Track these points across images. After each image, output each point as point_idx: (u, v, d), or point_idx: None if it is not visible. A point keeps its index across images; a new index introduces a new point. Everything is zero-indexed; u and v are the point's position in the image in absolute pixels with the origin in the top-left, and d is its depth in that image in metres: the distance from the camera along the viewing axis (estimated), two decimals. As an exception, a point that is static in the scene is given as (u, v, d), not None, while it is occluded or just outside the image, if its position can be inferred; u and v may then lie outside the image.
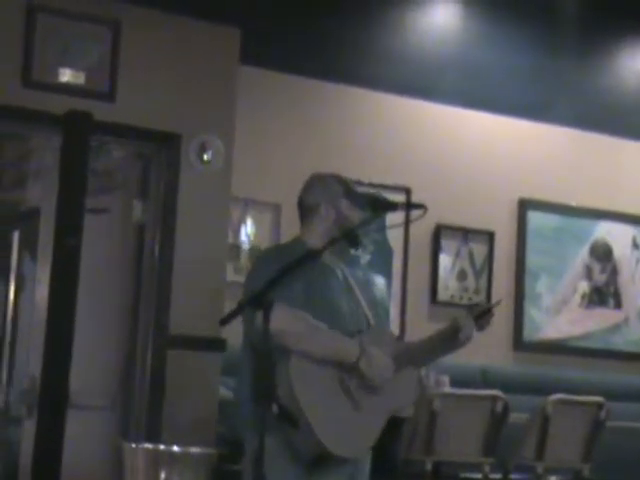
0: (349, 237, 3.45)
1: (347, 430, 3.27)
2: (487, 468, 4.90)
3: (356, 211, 3.52)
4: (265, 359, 2.98)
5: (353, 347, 3.30)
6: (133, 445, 2.49)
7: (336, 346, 3.31)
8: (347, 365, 3.29)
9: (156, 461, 2.40)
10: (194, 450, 2.52)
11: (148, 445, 2.55)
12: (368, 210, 3.51)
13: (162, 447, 2.52)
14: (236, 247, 6.13)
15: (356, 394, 3.31)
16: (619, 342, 7.14)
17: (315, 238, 3.50)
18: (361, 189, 3.62)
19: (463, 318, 3.46)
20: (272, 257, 3.51)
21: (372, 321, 3.48)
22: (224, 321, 3.08)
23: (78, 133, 4.32)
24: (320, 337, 3.29)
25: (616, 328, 7.15)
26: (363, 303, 3.50)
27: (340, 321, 3.38)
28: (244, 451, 3.52)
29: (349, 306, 3.45)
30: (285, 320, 3.15)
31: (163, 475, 2.39)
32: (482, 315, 3.48)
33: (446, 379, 5.30)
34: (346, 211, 3.51)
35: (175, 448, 2.52)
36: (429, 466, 4.76)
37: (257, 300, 3.03)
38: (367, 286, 3.59)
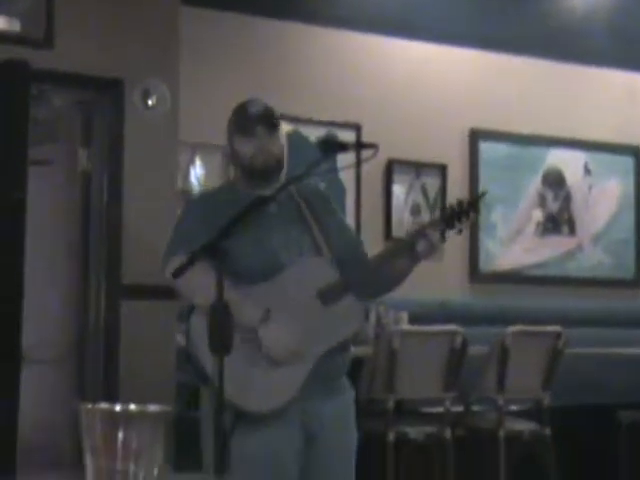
0: (298, 180, 3.34)
1: (262, 382, 3.17)
2: (448, 402, 4.90)
3: (247, 143, 3.25)
4: (218, 310, 2.91)
5: (253, 316, 3.14)
6: (89, 406, 2.42)
7: (236, 312, 3.19)
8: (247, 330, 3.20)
9: (113, 421, 2.34)
10: (152, 408, 2.45)
11: (104, 405, 2.48)
12: (306, 149, 3.39)
13: (119, 407, 2.45)
14: (186, 192, 6.03)
15: None
16: (574, 269, 7.17)
17: (240, 179, 3.38)
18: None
19: (422, 225, 3.32)
20: (201, 202, 3.41)
21: (324, 248, 3.36)
22: (176, 273, 3.00)
23: (16, 82, 4.19)
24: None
25: (571, 255, 7.18)
26: (315, 230, 3.37)
27: (269, 256, 3.27)
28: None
29: (285, 238, 3.32)
30: (186, 273, 3.03)
31: (121, 434, 2.32)
32: (459, 215, 3.30)
33: (404, 316, 5.29)
34: (237, 146, 3.27)
35: (132, 407, 2.45)
36: (391, 404, 4.75)
37: (210, 250, 2.96)
38: (324, 209, 3.46)
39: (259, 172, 3.28)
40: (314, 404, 3.25)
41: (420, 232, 3.25)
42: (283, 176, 3.38)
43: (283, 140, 3.35)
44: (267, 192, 3.30)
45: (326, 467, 3.29)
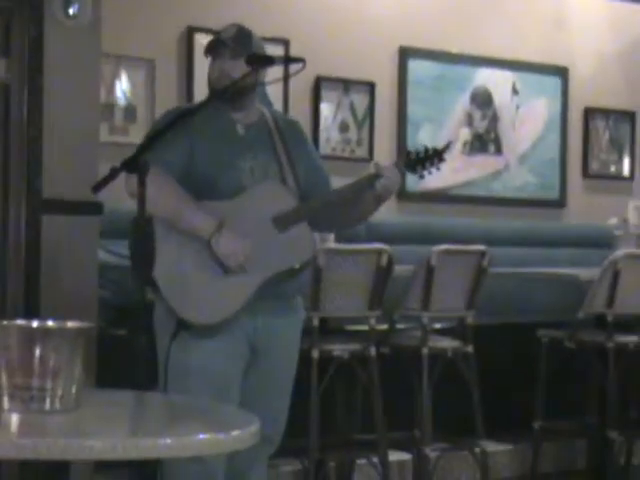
0: (224, 93, 3.34)
1: (208, 295, 3.22)
2: (373, 320, 4.92)
3: (212, 64, 3.41)
4: (142, 225, 2.86)
5: (207, 225, 3.21)
6: (5, 322, 2.36)
7: (191, 220, 3.22)
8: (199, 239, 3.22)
9: (31, 338, 2.28)
10: (70, 324, 2.40)
11: (21, 321, 2.42)
12: (230, 60, 3.38)
13: (36, 323, 2.39)
14: (110, 106, 5.90)
15: None
16: (500, 188, 7.20)
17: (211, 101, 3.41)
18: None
19: (383, 166, 3.37)
20: (164, 117, 3.42)
21: (289, 177, 3.37)
22: (96, 188, 2.95)
23: None
24: (174, 205, 3.21)
25: (497, 174, 7.21)
26: (282, 158, 3.39)
27: (232, 177, 3.29)
28: (131, 315, 3.44)
29: (251, 162, 3.34)
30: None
31: (38, 351, 2.27)
32: (424, 160, 3.36)
33: (331, 235, 5.26)
34: (209, 69, 3.42)
35: (50, 323, 2.40)
36: (316, 322, 4.75)
37: (131, 163, 2.90)
38: (297, 141, 3.48)
39: (219, 93, 3.33)
40: (263, 319, 3.30)
41: (380, 172, 3.29)
42: (253, 102, 3.42)
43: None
44: (235, 116, 3.36)
45: (268, 377, 3.36)
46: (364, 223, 3.90)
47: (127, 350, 3.55)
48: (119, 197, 3.59)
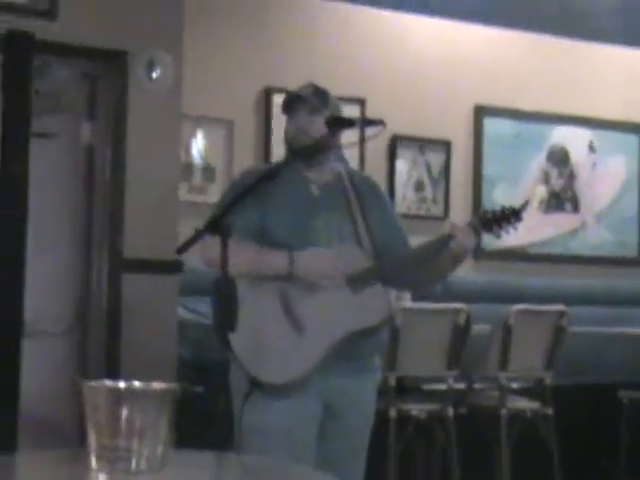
0: (302, 152, 3.33)
1: (282, 355, 3.19)
2: (451, 380, 4.89)
3: (289, 122, 3.36)
4: (225, 286, 2.89)
5: (282, 256, 3.20)
6: (92, 383, 2.40)
7: (266, 260, 3.21)
8: (286, 278, 3.20)
9: (118, 399, 2.32)
10: (156, 386, 2.43)
11: (108, 382, 2.46)
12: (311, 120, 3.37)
13: (123, 385, 2.43)
14: (189, 166, 6.00)
15: (301, 317, 3.22)
16: (577, 247, 7.14)
17: (285, 160, 3.40)
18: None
19: (457, 225, 3.32)
20: (241, 178, 3.42)
21: (365, 239, 3.36)
22: (181, 249, 2.99)
23: (19, 54, 4.14)
24: (250, 256, 3.18)
25: (574, 233, 7.16)
26: (358, 219, 3.37)
27: (307, 238, 3.28)
28: (209, 373, 3.48)
29: (326, 223, 3.33)
30: (213, 248, 3.01)
31: (125, 412, 2.31)
32: (500, 219, 3.31)
33: (407, 294, 5.26)
34: (285, 125, 3.38)
35: (136, 384, 2.43)
36: (393, 381, 4.74)
37: (214, 226, 2.94)
38: (373, 200, 3.46)
39: (297, 152, 3.30)
40: (336, 380, 3.26)
41: (453, 233, 3.25)
42: (329, 160, 3.41)
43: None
44: (310, 174, 3.33)
45: (343, 438, 3.31)
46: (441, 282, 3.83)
47: (205, 408, 3.59)
48: (196, 255, 3.62)
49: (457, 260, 3.34)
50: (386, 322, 3.43)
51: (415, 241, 3.59)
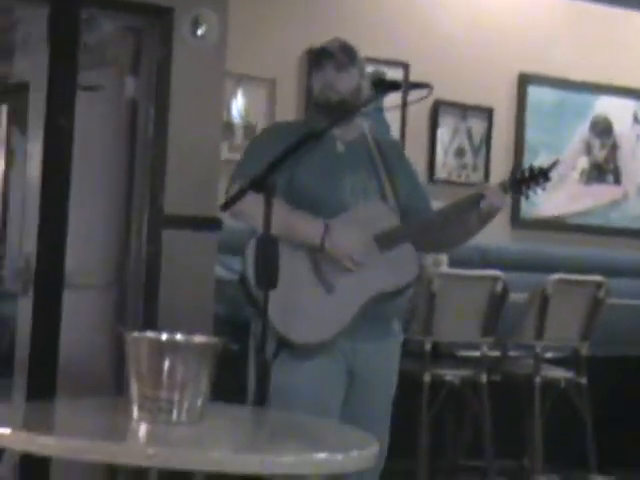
0: (347, 115, 3.32)
1: (311, 315, 3.19)
2: (486, 347, 4.89)
3: (317, 77, 3.33)
4: (266, 243, 2.90)
5: (317, 228, 3.19)
6: (135, 334, 2.43)
7: (298, 229, 3.19)
8: (314, 249, 3.20)
9: (160, 351, 2.35)
10: (198, 339, 2.45)
11: (150, 334, 2.48)
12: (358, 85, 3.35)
13: (165, 336, 2.46)
14: (230, 125, 6.00)
15: (330, 276, 3.22)
16: (618, 218, 7.09)
17: (311, 116, 3.40)
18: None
19: (489, 186, 3.31)
20: (266, 134, 3.41)
21: (390, 196, 3.34)
22: (225, 206, 3.00)
23: (67, 6, 4.15)
24: (283, 220, 3.13)
25: (615, 204, 7.11)
26: (383, 177, 3.36)
27: (334, 196, 3.26)
28: (244, 331, 3.48)
29: (352, 180, 3.32)
30: (250, 202, 3.01)
31: (167, 364, 2.33)
32: (529, 180, 3.30)
33: (444, 258, 5.26)
34: (312, 80, 3.37)
35: (179, 337, 2.46)
36: (428, 346, 4.75)
37: (259, 184, 2.95)
38: (396, 159, 3.45)
39: (323, 108, 3.29)
40: (361, 343, 3.26)
41: (483, 192, 3.24)
42: (357, 119, 3.38)
43: (355, 80, 3.33)
44: (336, 131, 3.31)
45: (366, 403, 3.32)
46: (464, 244, 3.75)
47: (239, 365, 3.61)
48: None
49: (485, 221, 3.33)
50: (414, 283, 3.40)
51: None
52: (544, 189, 3.30)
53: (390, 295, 3.26)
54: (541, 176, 3.28)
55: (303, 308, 3.19)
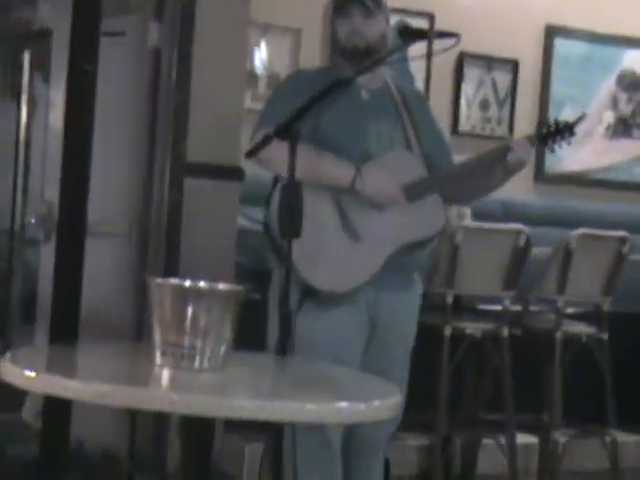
0: (375, 62, 3.29)
1: (337, 263, 3.19)
2: (507, 301, 4.87)
3: (342, 23, 3.30)
4: (290, 192, 2.88)
5: (347, 169, 3.18)
6: (159, 280, 2.42)
7: (328, 169, 3.18)
8: (345, 190, 3.18)
9: (184, 297, 2.34)
10: (221, 286, 2.45)
11: (174, 280, 2.48)
12: (390, 36, 3.33)
13: (189, 283, 2.45)
14: (254, 74, 5.96)
15: (356, 224, 3.20)
16: (642, 174, 7.04)
17: (336, 63, 3.37)
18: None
19: (516, 139, 3.31)
20: (291, 80, 3.38)
21: (414, 145, 3.33)
22: (250, 153, 2.99)
23: (91, -49, 4.11)
24: (311, 162, 3.13)
25: (640, 160, 7.05)
26: (407, 126, 3.34)
27: (359, 144, 3.25)
28: (266, 281, 3.48)
29: (376, 129, 3.30)
30: (276, 148, 2.99)
31: (190, 310, 2.33)
32: (555, 133, 3.30)
33: (468, 211, 5.22)
34: (335, 26, 3.33)
35: (202, 284, 2.45)
36: (450, 299, 4.74)
37: (284, 131, 2.92)
38: (419, 109, 3.42)
39: (350, 54, 3.26)
40: (384, 293, 3.27)
41: (511, 145, 3.24)
42: (381, 68, 3.35)
43: (382, 27, 3.30)
44: (360, 79, 3.28)
45: (385, 353, 3.33)
46: (485, 196, 3.75)
47: (260, 315, 3.61)
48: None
49: (509, 174, 3.34)
50: (439, 233, 3.41)
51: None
52: (569, 143, 3.31)
53: (415, 245, 3.26)
54: (567, 130, 3.29)
55: (329, 256, 3.19)
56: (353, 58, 3.26)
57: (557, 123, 3.30)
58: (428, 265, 4.75)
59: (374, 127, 3.29)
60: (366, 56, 3.25)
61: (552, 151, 3.37)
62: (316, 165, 3.16)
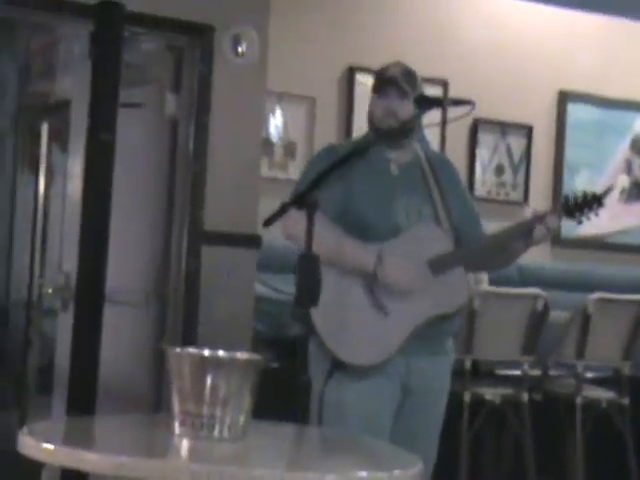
0: (390, 133, 3.33)
1: (365, 337, 3.20)
2: (526, 366, 4.85)
3: (379, 103, 3.35)
4: (308, 261, 2.89)
5: (369, 257, 3.20)
6: (177, 350, 2.43)
7: (352, 256, 3.22)
8: (367, 276, 3.21)
9: (203, 366, 2.34)
10: (240, 356, 2.45)
11: (193, 350, 2.48)
12: (400, 102, 3.35)
13: (208, 353, 2.45)
14: (270, 142, 6.01)
15: (383, 299, 3.23)
16: (659, 238, 7.02)
17: (369, 138, 3.41)
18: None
19: (544, 213, 3.31)
20: (323, 153, 3.42)
21: (443, 219, 3.35)
22: (267, 222, 3.00)
23: (110, 24, 4.17)
24: (337, 246, 3.18)
25: (655, 224, 7.04)
26: (436, 199, 3.37)
27: (388, 218, 3.28)
28: (284, 349, 3.48)
29: (406, 203, 3.32)
30: (298, 222, 3.01)
31: (210, 380, 2.33)
32: (582, 206, 3.30)
33: (485, 277, 5.23)
34: (371, 105, 3.38)
35: (221, 353, 2.45)
36: (468, 364, 4.72)
37: (301, 200, 2.95)
38: (449, 180, 3.45)
39: (384, 134, 3.30)
40: (415, 359, 3.27)
41: (540, 218, 3.24)
42: (412, 141, 3.40)
43: (413, 106, 3.35)
44: (391, 154, 3.34)
45: (418, 419, 3.32)
46: (506, 267, 3.77)
47: (278, 383, 3.60)
48: (274, 232, 3.62)
49: (532, 245, 3.34)
50: (464, 308, 3.44)
51: (492, 226, 3.56)
52: (597, 215, 3.29)
53: (441, 318, 3.28)
54: (595, 202, 3.28)
55: (357, 330, 3.20)
56: (388, 137, 3.31)
57: (585, 195, 3.30)
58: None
59: (403, 202, 3.32)
60: (401, 135, 3.31)
61: (579, 223, 3.36)
62: (339, 249, 3.20)
